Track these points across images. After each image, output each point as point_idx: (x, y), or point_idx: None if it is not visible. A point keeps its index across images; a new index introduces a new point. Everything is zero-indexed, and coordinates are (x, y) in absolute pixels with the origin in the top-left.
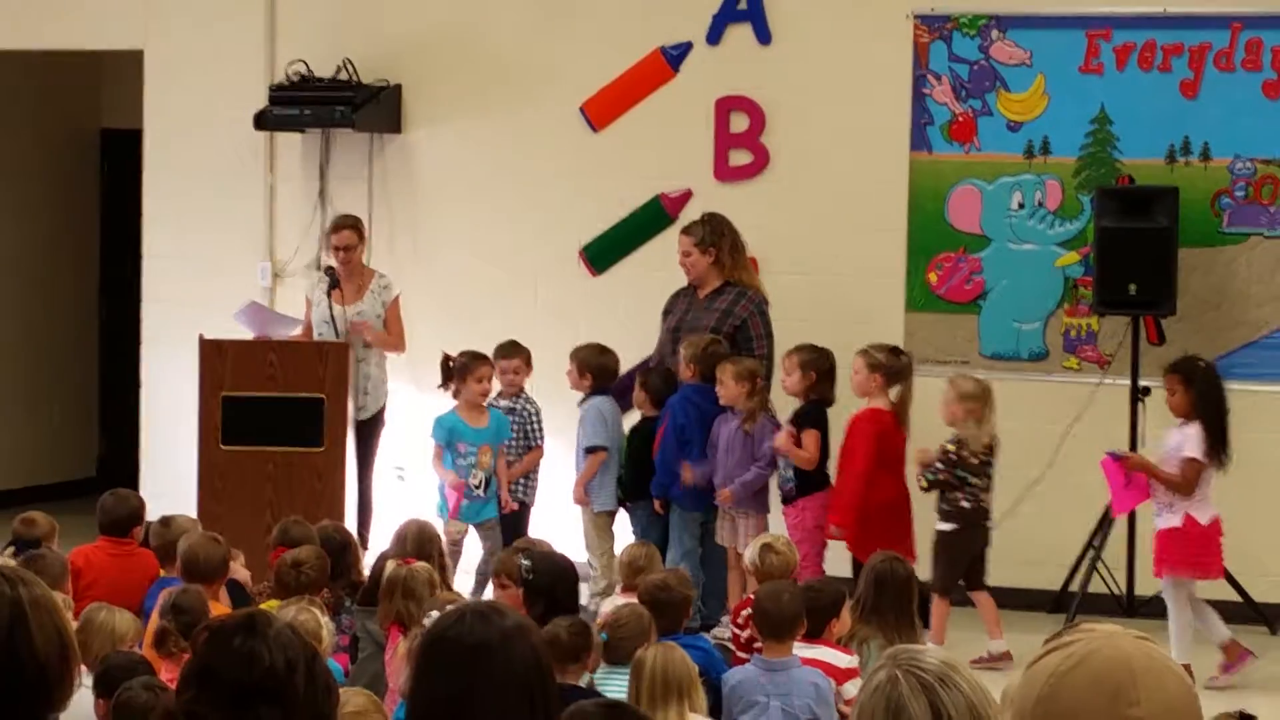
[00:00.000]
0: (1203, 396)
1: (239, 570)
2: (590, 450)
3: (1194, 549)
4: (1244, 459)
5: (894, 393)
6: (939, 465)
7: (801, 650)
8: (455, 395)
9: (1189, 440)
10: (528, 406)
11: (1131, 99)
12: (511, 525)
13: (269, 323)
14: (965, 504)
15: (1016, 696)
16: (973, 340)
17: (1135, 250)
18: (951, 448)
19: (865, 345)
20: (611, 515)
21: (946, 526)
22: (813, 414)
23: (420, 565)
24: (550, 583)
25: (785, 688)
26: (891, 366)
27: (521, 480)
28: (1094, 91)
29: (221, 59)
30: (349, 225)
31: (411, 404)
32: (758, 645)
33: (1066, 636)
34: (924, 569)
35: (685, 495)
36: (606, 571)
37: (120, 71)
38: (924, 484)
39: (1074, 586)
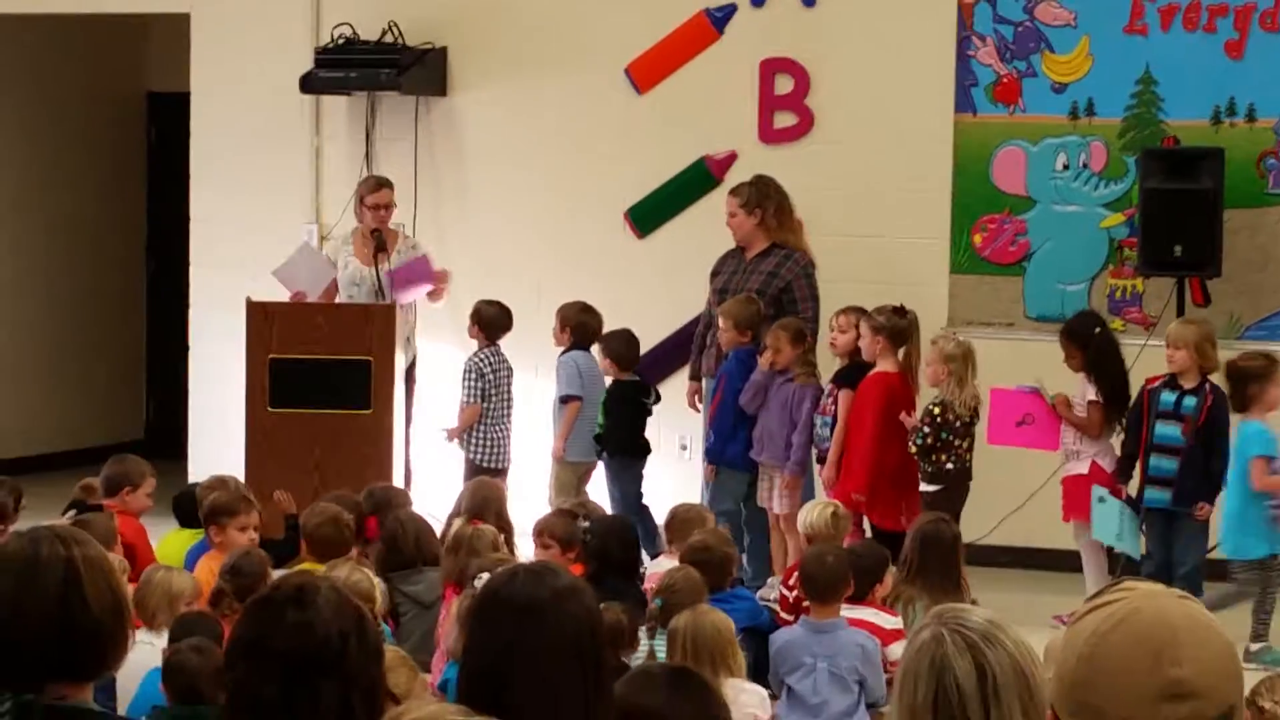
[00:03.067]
0: (1096, 365)
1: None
2: (564, 400)
3: None
4: None
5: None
6: (925, 429)
7: (847, 612)
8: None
9: (1092, 388)
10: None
11: (1176, 60)
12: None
13: (309, 270)
14: (950, 465)
15: (1058, 655)
16: (1017, 302)
17: (1180, 211)
18: (936, 409)
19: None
20: (583, 467)
21: (931, 488)
22: (853, 375)
23: (486, 527)
24: (603, 543)
25: (832, 649)
26: (895, 327)
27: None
28: (1139, 52)
29: (268, 22)
30: (388, 184)
31: (454, 363)
32: (806, 605)
33: (1108, 595)
34: None
35: (738, 456)
36: None
37: (167, 34)
38: (913, 449)
39: None
